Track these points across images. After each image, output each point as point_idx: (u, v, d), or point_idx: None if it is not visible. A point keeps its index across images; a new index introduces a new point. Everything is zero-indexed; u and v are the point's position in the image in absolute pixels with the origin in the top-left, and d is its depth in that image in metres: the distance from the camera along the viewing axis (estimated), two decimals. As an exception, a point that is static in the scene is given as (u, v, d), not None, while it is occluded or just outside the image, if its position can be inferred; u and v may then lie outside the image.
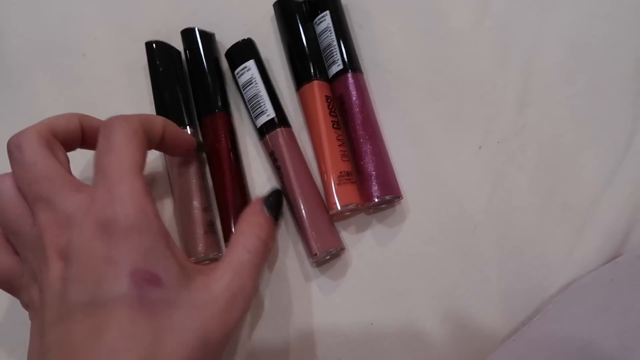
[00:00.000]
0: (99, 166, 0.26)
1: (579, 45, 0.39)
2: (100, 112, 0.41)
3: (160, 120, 0.31)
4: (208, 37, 0.40)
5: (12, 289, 0.27)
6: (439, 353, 0.34)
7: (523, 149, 0.37)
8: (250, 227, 0.30)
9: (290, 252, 0.36)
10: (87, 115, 0.31)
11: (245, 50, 0.38)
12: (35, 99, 0.42)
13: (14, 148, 0.27)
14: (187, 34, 0.39)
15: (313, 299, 0.36)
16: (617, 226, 0.35)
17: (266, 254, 0.31)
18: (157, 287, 0.23)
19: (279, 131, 0.36)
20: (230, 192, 0.35)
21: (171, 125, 0.32)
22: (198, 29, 0.39)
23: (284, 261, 0.36)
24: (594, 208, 0.35)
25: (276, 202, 0.33)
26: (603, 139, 0.37)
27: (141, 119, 0.29)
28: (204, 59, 0.39)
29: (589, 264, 0.34)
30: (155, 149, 0.32)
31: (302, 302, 0.35)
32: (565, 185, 0.36)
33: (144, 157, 0.27)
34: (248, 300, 0.28)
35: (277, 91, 0.39)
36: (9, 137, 0.40)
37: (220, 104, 0.38)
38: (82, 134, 0.31)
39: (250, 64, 0.38)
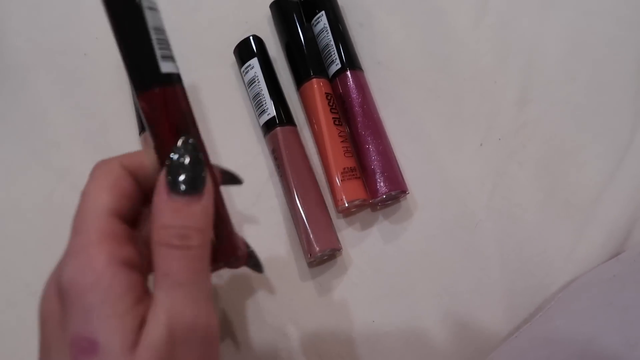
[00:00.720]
0: None
1: (579, 42, 0.39)
2: (101, 111, 0.41)
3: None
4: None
5: None
6: (440, 350, 0.34)
7: (524, 146, 0.37)
8: (160, 238, 0.21)
9: (293, 249, 0.36)
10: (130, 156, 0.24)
11: (249, 48, 0.38)
12: (37, 99, 0.42)
13: None
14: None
15: (315, 297, 0.36)
16: (619, 223, 0.35)
17: (201, 256, 0.21)
18: (92, 356, 0.19)
19: (279, 130, 0.36)
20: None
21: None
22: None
23: (286, 258, 0.36)
24: (595, 205, 0.35)
25: (186, 166, 0.22)
26: (604, 136, 0.37)
27: (121, 157, 0.23)
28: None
29: (592, 261, 0.34)
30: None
31: (304, 300, 0.35)
32: (567, 182, 0.36)
33: (118, 197, 0.22)
34: (200, 338, 0.21)
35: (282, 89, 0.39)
36: (10, 136, 0.40)
37: None
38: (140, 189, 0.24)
39: (254, 62, 0.38)
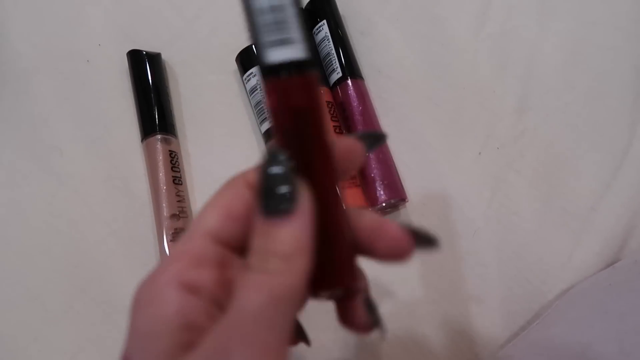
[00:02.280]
0: None
1: (577, 52, 0.40)
2: (103, 117, 0.41)
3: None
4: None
5: None
6: (438, 357, 0.34)
7: (522, 155, 0.37)
8: (246, 261, 0.18)
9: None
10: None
11: (251, 56, 0.39)
12: (39, 104, 0.42)
13: None
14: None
15: (314, 303, 0.36)
16: (615, 231, 0.35)
17: (279, 285, 0.17)
18: None
19: None
20: None
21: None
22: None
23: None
24: (592, 213, 0.36)
25: (275, 183, 0.18)
26: (601, 145, 0.37)
27: (250, 173, 0.20)
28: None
29: (588, 269, 0.34)
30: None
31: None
32: (564, 191, 0.36)
33: (225, 219, 0.19)
34: None
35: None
36: (12, 140, 0.41)
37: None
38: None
39: (256, 70, 0.38)
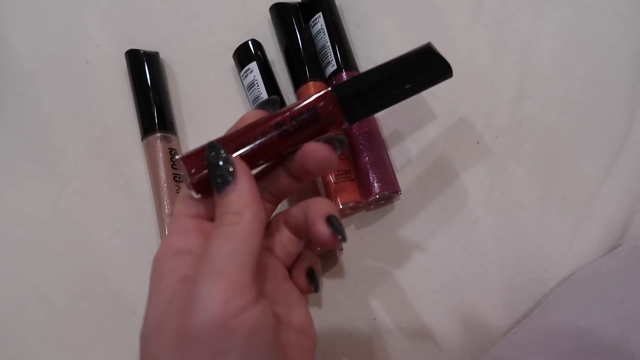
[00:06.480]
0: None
1: (575, 38, 0.39)
2: (104, 117, 0.42)
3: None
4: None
5: None
6: (441, 346, 0.34)
7: (521, 143, 0.37)
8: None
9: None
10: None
11: (248, 52, 0.39)
12: (41, 106, 0.42)
13: None
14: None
15: (317, 296, 0.36)
16: (616, 217, 0.35)
17: (238, 232, 0.23)
18: None
19: None
20: None
21: None
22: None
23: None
24: (593, 200, 0.36)
25: (210, 168, 0.25)
26: (601, 131, 0.37)
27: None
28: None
29: (589, 255, 0.34)
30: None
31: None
32: (564, 178, 0.36)
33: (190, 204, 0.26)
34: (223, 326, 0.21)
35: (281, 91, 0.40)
36: (15, 142, 0.41)
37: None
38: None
39: (253, 65, 0.38)
